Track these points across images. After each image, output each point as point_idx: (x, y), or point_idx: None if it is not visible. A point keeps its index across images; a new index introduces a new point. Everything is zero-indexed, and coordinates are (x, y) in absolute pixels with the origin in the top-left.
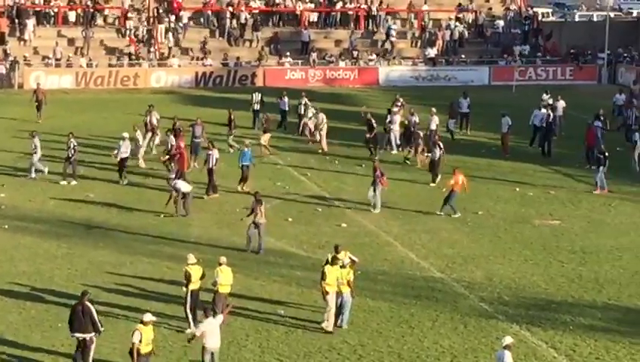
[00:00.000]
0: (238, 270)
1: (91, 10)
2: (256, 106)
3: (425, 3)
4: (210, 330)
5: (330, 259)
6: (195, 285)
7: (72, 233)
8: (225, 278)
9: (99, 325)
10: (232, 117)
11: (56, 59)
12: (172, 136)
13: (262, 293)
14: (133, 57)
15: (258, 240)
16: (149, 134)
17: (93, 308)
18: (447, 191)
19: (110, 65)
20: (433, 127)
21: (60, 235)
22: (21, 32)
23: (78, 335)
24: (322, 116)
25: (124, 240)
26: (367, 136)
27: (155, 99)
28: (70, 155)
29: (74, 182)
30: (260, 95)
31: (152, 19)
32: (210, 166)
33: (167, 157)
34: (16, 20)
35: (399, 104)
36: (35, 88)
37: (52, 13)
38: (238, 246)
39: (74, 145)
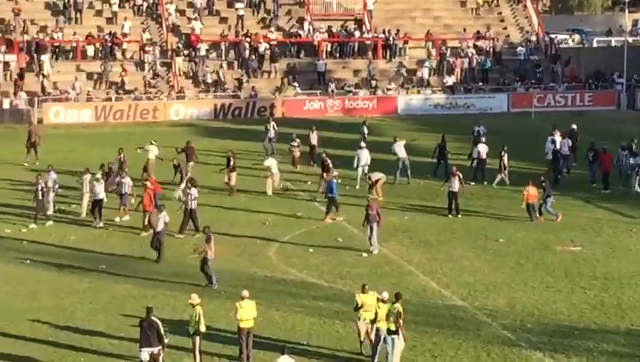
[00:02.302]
0: (259, 301)
1: (109, 44)
2: (272, 134)
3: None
4: None
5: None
6: (202, 326)
7: (92, 267)
8: (245, 313)
9: (164, 339)
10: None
11: (76, 94)
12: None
13: (284, 324)
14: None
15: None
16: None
17: (160, 323)
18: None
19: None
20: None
21: (81, 269)
22: (40, 67)
23: (146, 349)
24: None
25: (145, 273)
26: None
27: (174, 132)
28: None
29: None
30: (273, 124)
31: (170, 53)
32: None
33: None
34: (35, 55)
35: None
36: (29, 130)
37: (70, 48)
38: (259, 278)
39: (42, 186)
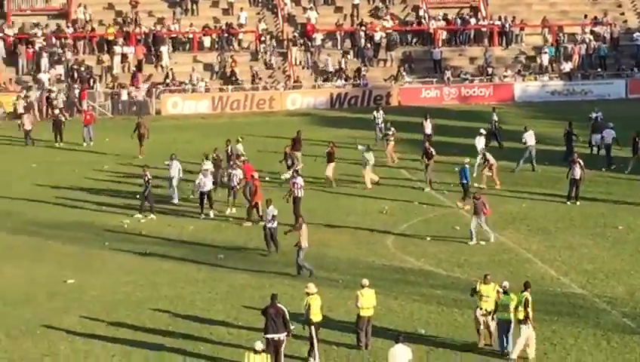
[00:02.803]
0: (377, 290)
1: (226, 35)
2: (379, 122)
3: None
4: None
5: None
6: (317, 316)
7: (211, 257)
8: (366, 301)
9: (290, 325)
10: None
11: (192, 85)
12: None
13: (402, 312)
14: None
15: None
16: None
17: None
18: None
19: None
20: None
21: (200, 259)
22: (157, 58)
23: (271, 336)
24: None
25: (263, 263)
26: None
27: (291, 121)
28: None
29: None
30: (382, 112)
31: (285, 42)
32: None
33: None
34: (153, 47)
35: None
36: (138, 122)
37: (187, 40)
38: (377, 267)
39: (148, 178)
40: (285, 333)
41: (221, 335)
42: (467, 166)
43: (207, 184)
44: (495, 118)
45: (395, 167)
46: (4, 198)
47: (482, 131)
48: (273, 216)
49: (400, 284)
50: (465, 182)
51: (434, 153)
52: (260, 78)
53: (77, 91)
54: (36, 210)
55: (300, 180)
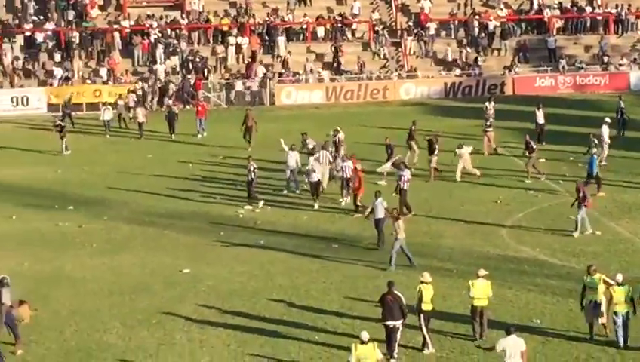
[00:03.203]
0: (492, 280)
1: (339, 25)
2: (491, 113)
3: None
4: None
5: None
6: (427, 306)
7: (325, 247)
8: (478, 291)
9: (406, 312)
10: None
11: (306, 75)
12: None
13: (517, 302)
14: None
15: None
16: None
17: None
18: None
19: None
20: None
21: (314, 249)
22: (271, 49)
23: (389, 323)
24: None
25: (376, 253)
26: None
27: (405, 111)
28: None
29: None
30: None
31: (399, 32)
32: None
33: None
34: (267, 38)
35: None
36: (246, 114)
37: (301, 30)
38: (492, 256)
39: (253, 168)
40: (401, 320)
41: (335, 324)
42: (595, 156)
43: (316, 174)
44: (622, 104)
45: (509, 155)
46: (121, 190)
47: (607, 120)
48: (385, 207)
49: (515, 274)
50: (591, 171)
51: (534, 146)
52: (384, 67)
53: (192, 82)
54: (152, 201)
55: (407, 173)
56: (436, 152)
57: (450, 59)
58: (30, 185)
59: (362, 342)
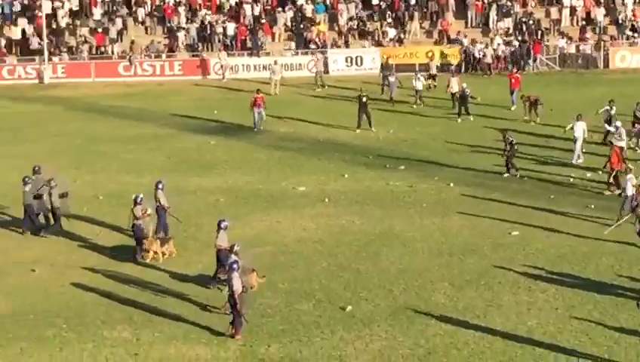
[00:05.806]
0: None
1: None
2: None
3: None
4: None
5: None
6: None
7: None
8: None
9: None
10: None
11: None
12: None
13: None
14: None
15: None
16: None
17: None
18: None
19: None
20: None
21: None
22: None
23: None
24: None
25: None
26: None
27: None
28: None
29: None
30: None
31: None
32: None
33: None
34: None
35: None
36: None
37: None
38: None
39: (511, 141)
40: None
41: None
42: None
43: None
44: None
45: None
46: (453, 151)
47: None
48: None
49: None
50: None
51: None
52: None
53: (524, 45)
54: (485, 161)
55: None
56: None
57: None
58: (362, 145)
59: None
